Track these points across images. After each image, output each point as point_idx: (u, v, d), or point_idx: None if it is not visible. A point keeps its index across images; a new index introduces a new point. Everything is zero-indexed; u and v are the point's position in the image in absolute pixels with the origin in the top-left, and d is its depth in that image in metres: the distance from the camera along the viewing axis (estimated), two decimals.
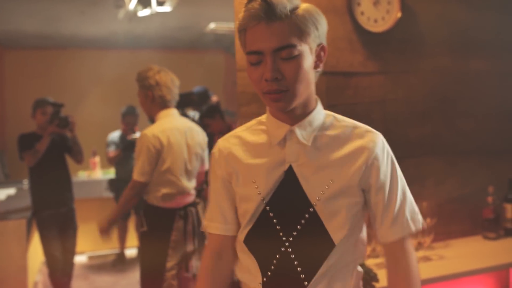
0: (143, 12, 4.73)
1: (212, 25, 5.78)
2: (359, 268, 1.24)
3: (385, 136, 2.34)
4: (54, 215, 3.57)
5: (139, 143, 2.65)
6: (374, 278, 1.86)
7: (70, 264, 3.72)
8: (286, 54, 1.07)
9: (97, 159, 5.72)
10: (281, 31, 1.07)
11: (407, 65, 2.44)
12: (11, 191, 4.66)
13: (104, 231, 2.70)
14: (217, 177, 1.27)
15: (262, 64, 1.09)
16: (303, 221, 1.14)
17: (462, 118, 2.59)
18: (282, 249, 1.15)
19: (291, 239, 1.15)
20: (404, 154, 2.34)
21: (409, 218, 1.19)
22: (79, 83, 6.48)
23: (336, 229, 1.14)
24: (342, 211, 1.14)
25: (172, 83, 2.82)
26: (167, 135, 2.66)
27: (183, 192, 2.71)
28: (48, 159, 3.53)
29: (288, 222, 1.15)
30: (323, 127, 1.20)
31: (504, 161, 2.68)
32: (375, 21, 2.33)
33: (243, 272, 1.23)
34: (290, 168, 1.16)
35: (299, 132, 1.17)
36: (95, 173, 5.63)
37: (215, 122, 4.08)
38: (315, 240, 1.14)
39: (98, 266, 5.18)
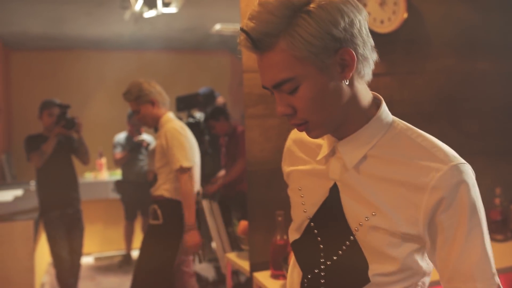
0: (149, 13, 4.74)
1: (217, 26, 5.79)
2: None
3: None
4: (61, 216, 3.60)
5: (175, 134, 2.79)
6: None
7: (77, 265, 3.74)
8: (287, 89, 0.91)
9: (103, 160, 5.74)
10: (271, 65, 0.91)
11: (413, 66, 2.44)
12: (18, 192, 4.68)
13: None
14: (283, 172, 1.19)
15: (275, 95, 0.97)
16: (344, 248, 0.99)
17: (469, 119, 2.58)
18: (316, 270, 1.03)
19: (329, 263, 1.02)
20: None
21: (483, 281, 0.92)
22: (85, 84, 6.51)
23: (376, 265, 0.97)
24: (384, 249, 0.95)
25: (161, 90, 3.00)
26: (185, 130, 2.89)
27: (196, 186, 2.82)
28: (54, 160, 3.55)
29: (331, 244, 1.02)
30: (383, 144, 0.98)
31: (511, 162, 2.67)
32: (381, 22, 2.33)
33: (291, 273, 1.14)
34: (336, 186, 1.01)
35: (342, 150, 0.99)
36: (102, 175, 5.65)
37: (220, 124, 4.10)
38: (352, 272, 0.99)
39: (104, 267, 5.20)
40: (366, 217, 0.96)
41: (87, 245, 4.10)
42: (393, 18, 2.33)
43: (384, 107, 1.02)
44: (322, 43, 0.88)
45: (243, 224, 2.44)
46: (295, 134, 1.16)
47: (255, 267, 2.19)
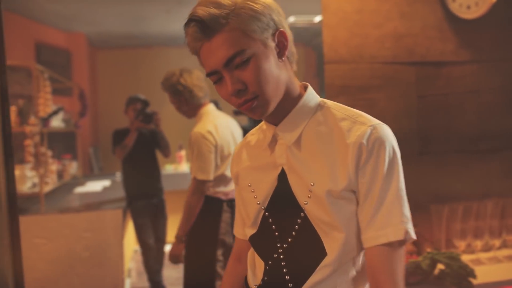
0: None
1: (291, 19, 5.79)
2: None
3: (479, 127, 2.27)
4: (146, 205, 3.77)
5: (198, 140, 2.56)
6: (471, 273, 1.80)
7: (161, 253, 3.91)
8: (239, 61, 0.98)
9: (183, 153, 5.93)
10: (223, 43, 0.98)
11: (504, 52, 2.32)
12: (106, 183, 4.95)
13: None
14: (232, 175, 1.26)
15: (224, 80, 1.02)
16: (297, 227, 1.06)
17: None
18: (275, 255, 1.10)
19: (285, 245, 1.08)
20: (501, 145, 2.24)
21: (394, 224, 0.99)
22: (147, 77, 6.74)
23: (328, 236, 1.03)
24: (332, 217, 1.02)
25: (198, 80, 2.73)
26: (216, 130, 2.59)
27: (229, 184, 2.67)
28: (139, 153, 3.72)
29: (285, 228, 1.08)
30: (314, 121, 1.08)
31: None
32: (468, 7, 2.24)
33: (250, 271, 1.20)
34: (283, 171, 1.08)
35: (281, 132, 1.08)
36: (181, 167, 5.84)
37: None
38: (308, 248, 1.05)
39: None
40: (310, 190, 1.03)
41: (170, 234, 4.27)
42: (480, 3, 2.23)
43: (310, 89, 1.11)
44: (266, 21, 1.00)
45: None
46: (244, 141, 1.24)
47: None
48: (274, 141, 1.10)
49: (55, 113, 4.11)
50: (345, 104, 2.10)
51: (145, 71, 6.67)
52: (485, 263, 2.07)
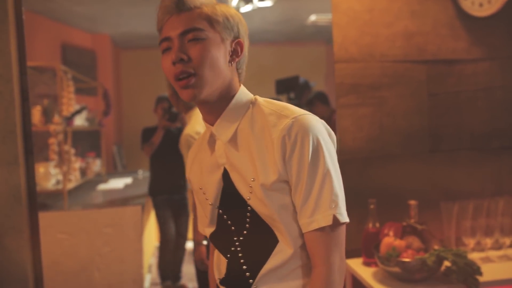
0: (245, 8, 4.88)
1: (312, 17, 5.80)
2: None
3: (491, 125, 2.26)
4: (168, 200, 3.89)
5: (185, 144, 2.67)
6: (478, 271, 1.80)
7: (182, 249, 3.99)
8: (192, 36, 1.06)
9: None
10: (189, 17, 1.07)
11: None
12: (128, 180, 5.06)
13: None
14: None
15: (172, 50, 1.07)
16: (248, 220, 1.12)
17: None
18: (233, 248, 1.16)
19: (241, 238, 1.14)
20: None
21: (323, 210, 1.04)
22: None
23: (275, 226, 1.10)
24: (270, 209, 1.08)
25: None
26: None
27: None
28: (165, 150, 3.84)
29: (239, 222, 1.14)
30: (247, 118, 1.13)
31: None
32: (480, 4, 2.23)
33: (215, 267, 1.26)
34: (225, 170, 1.14)
35: (216, 131, 1.14)
36: None
37: (315, 109, 4.10)
38: (261, 238, 1.12)
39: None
40: (250, 185, 1.09)
41: (190, 231, 4.34)
42: (493, 1, 2.23)
43: (242, 88, 1.16)
44: (231, 25, 1.10)
45: None
46: (195, 145, 1.30)
47: (347, 254, 2.21)
48: (212, 140, 1.17)
49: (78, 112, 4.23)
50: (355, 102, 2.15)
51: None
52: (495, 261, 2.07)
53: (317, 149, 1.04)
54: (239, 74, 1.16)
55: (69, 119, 3.96)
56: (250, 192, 1.09)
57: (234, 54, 1.13)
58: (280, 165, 1.05)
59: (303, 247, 1.10)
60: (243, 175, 1.10)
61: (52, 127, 3.63)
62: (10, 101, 1.86)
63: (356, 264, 2.13)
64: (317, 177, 1.04)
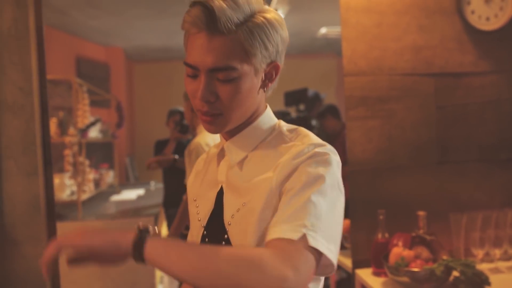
0: None
1: (323, 30, 5.87)
2: None
3: (498, 136, 2.29)
4: None
5: (193, 151, 2.75)
6: (486, 281, 1.83)
7: None
8: (224, 77, 0.93)
9: None
10: (221, 48, 0.91)
11: None
12: (141, 191, 5.13)
13: None
14: None
15: (198, 79, 0.95)
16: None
17: None
18: None
19: None
20: None
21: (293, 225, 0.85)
22: None
23: None
24: (255, 239, 0.93)
25: None
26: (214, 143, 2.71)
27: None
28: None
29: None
30: (262, 142, 1.03)
31: None
32: (487, 19, 2.27)
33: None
34: (221, 189, 1.04)
35: (228, 149, 1.04)
36: None
37: (327, 122, 4.13)
38: None
39: None
40: (238, 209, 0.97)
41: None
42: (500, 14, 2.27)
43: (267, 111, 1.06)
44: (271, 50, 0.96)
45: (346, 223, 2.50)
46: (205, 154, 1.20)
47: (357, 264, 2.25)
48: (222, 154, 1.07)
49: (92, 124, 4.32)
50: (365, 114, 2.20)
51: (180, 84, 6.80)
52: (504, 272, 2.08)
53: (319, 177, 0.90)
54: (268, 90, 1.03)
55: (83, 131, 4.04)
56: (232, 217, 0.98)
57: (268, 78, 1.00)
58: (276, 188, 0.93)
59: None
60: (235, 197, 0.99)
61: (67, 139, 3.71)
62: (30, 114, 1.94)
63: (366, 274, 2.16)
64: (303, 197, 0.88)
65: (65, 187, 3.84)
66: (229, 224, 0.98)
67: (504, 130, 2.33)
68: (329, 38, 6.37)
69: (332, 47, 6.84)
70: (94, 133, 4.61)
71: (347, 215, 2.43)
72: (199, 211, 1.08)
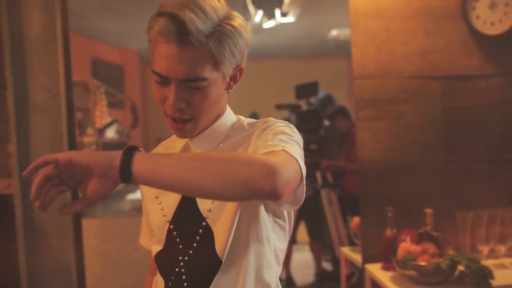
0: (268, 24, 5.06)
1: (334, 32, 5.96)
2: None
3: (504, 137, 2.38)
4: None
5: None
6: (490, 275, 1.91)
7: None
8: (194, 85, 0.97)
9: None
10: (192, 60, 0.94)
11: None
12: None
13: None
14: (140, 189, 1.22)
15: (167, 86, 0.98)
16: (198, 238, 1.04)
17: None
18: (177, 269, 1.06)
19: (186, 258, 1.05)
20: None
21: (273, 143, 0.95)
22: None
23: (225, 242, 1.01)
24: (234, 221, 1.01)
25: None
26: None
27: None
28: None
29: (188, 240, 1.05)
30: (227, 137, 1.09)
31: None
32: (492, 24, 2.36)
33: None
34: None
35: (194, 146, 1.08)
36: None
37: (337, 122, 4.22)
38: (206, 258, 1.03)
39: None
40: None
41: None
42: (504, 19, 2.35)
43: (228, 110, 1.12)
44: (238, 57, 1.01)
45: (356, 220, 2.60)
46: (155, 150, 1.23)
47: (366, 260, 2.34)
48: (184, 151, 1.09)
49: (109, 124, 4.44)
50: (373, 115, 2.30)
51: None
52: (509, 267, 2.17)
53: (282, 130, 1.01)
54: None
55: (101, 131, 4.17)
56: (212, 203, 1.03)
57: (232, 80, 1.06)
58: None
59: (253, 270, 1.04)
60: None
61: (86, 139, 3.84)
62: (58, 114, 2.06)
63: (375, 269, 2.25)
64: (272, 132, 1.00)
65: None
66: (210, 211, 1.02)
67: (509, 131, 2.41)
68: (339, 40, 6.45)
69: (342, 49, 6.92)
70: (110, 133, 4.74)
71: (356, 212, 2.54)
72: (163, 207, 1.10)
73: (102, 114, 4.19)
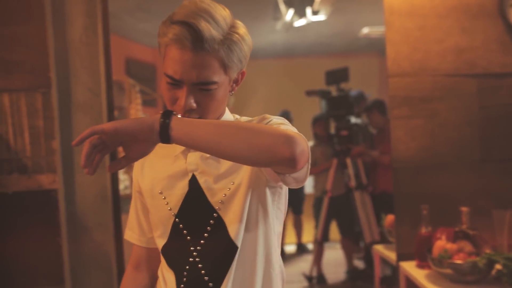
0: (299, 22, 5.07)
1: (365, 30, 5.93)
2: (276, 274, 1.17)
3: None
4: None
5: None
6: None
7: None
8: (206, 88, 1.05)
9: None
10: (205, 65, 1.02)
11: None
12: None
13: None
14: (134, 185, 1.27)
15: (178, 88, 1.05)
16: (209, 228, 1.11)
17: None
18: (191, 259, 1.12)
19: (199, 248, 1.12)
20: None
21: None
22: (243, 91, 7.08)
23: (238, 229, 1.10)
24: (245, 210, 1.10)
25: None
26: None
27: None
28: None
29: (197, 231, 1.12)
30: None
31: None
32: None
33: (159, 286, 1.22)
34: (194, 177, 1.13)
35: None
36: None
37: (373, 116, 4.17)
38: (221, 246, 1.11)
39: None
40: (228, 188, 1.10)
41: None
42: None
43: (226, 111, 1.18)
44: (244, 62, 1.10)
45: (390, 217, 2.60)
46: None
47: (401, 257, 2.35)
48: (187, 150, 1.15)
49: None
50: (408, 113, 2.30)
51: None
52: None
53: (277, 121, 1.09)
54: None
55: None
56: (224, 196, 1.11)
57: (235, 83, 1.14)
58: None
59: (268, 257, 1.14)
60: (220, 180, 1.11)
61: None
62: (99, 113, 2.13)
63: (410, 267, 2.25)
64: (272, 123, 1.08)
65: (120, 182, 4.06)
66: (222, 203, 1.11)
67: None
68: (371, 38, 6.41)
69: (374, 46, 6.87)
70: None
71: (389, 209, 2.54)
72: (168, 201, 1.15)
73: (136, 112, 4.28)
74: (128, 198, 4.00)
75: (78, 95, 2.12)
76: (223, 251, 1.11)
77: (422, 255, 2.18)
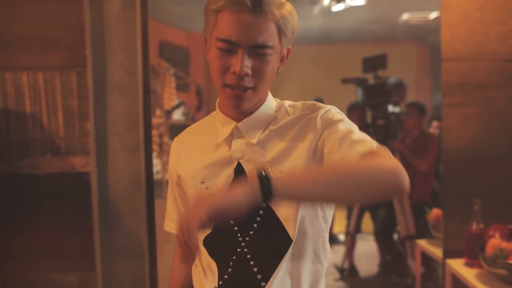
0: (337, 7, 4.91)
1: (405, 16, 5.72)
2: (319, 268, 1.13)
3: None
4: None
5: None
6: None
7: None
8: (262, 52, 1.02)
9: None
10: (263, 27, 1.00)
11: None
12: None
13: None
14: (171, 176, 1.23)
15: (232, 54, 1.02)
16: (258, 219, 1.06)
17: None
18: (239, 250, 1.08)
19: (247, 239, 1.07)
20: None
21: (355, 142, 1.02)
22: (277, 76, 6.97)
23: (292, 222, 1.06)
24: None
25: None
26: None
27: None
28: None
29: (244, 222, 1.06)
30: (273, 119, 1.12)
31: None
32: None
33: (199, 276, 1.16)
34: (239, 165, 1.09)
35: (244, 129, 1.10)
36: None
37: (410, 118, 3.95)
38: (272, 238, 1.07)
39: None
40: (276, 178, 0.99)
41: None
42: None
43: (269, 94, 1.15)
44: (293, 36, 1.08)
45: (436, 212, 2.46)
46: (182, 137, 1.23)
47: (448, 254, 2.21)
48: (231, 135, 1.12)
49: (177, 106, 4.46)
50: (461, 101, 2.13)
51: None
52: None
53: (341, 119, 1.07)
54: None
55: (169, 113, 4.19)
56: None
57: (281, 61, 1.11)
58: (311, 150, 1.06)
59: (316, 250, 1.10)
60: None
61: (154, 120, 3.86)
62: (134, 93, 2.04)
63: (458, 265, 2.11)
64: (346, 127, 1.05)
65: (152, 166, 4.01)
66: None
67: None
68: (410, 24, 6.19)
69: (413, 33, 6.66)
70: (177, 115, 4.77)
71: (437, 203, 2.39)
72: (211, 191, 1.11)
73: (170, 96, 4.20)
74: (159, 183, 3.95)
75: (113, 74, 2.03)
76: (276, 244, 1.07)
77: (472, 253, 2.04)
